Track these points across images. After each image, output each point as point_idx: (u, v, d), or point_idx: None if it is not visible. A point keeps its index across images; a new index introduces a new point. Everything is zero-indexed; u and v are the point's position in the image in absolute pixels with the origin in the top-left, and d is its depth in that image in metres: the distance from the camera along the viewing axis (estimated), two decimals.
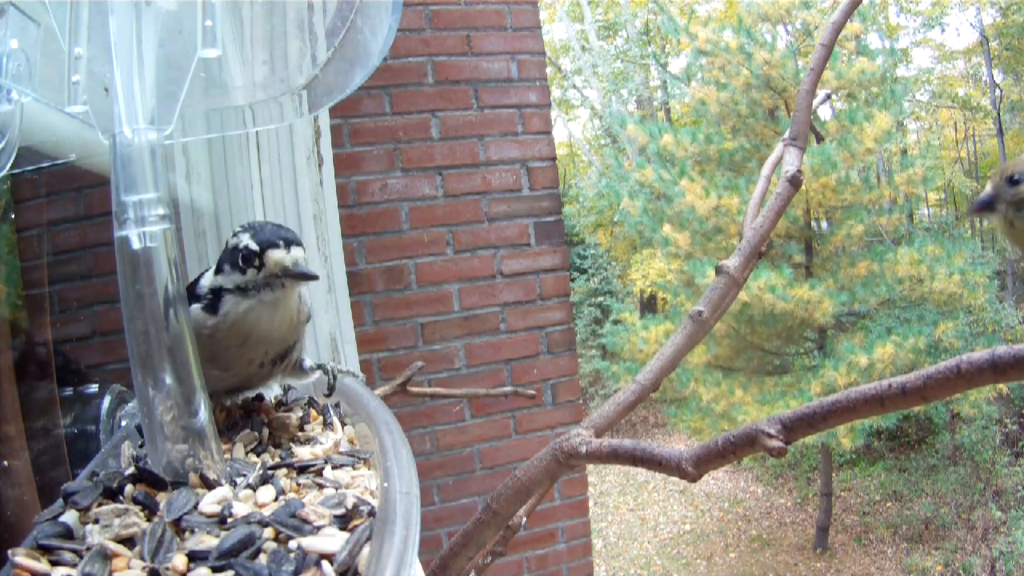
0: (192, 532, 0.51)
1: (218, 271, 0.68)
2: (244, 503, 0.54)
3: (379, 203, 2.21)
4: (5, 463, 0.89)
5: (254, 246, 0.66)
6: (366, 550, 0.49)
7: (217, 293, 0.67)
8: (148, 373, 0.56)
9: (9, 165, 0.70)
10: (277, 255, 0.66)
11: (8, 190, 1.17)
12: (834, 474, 9.34)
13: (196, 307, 0.67)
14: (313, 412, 0.75)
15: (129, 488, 0.55)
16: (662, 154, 8.08)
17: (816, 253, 8.19)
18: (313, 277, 0.69)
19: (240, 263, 0.66)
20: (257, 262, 0.66)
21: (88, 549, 0.48)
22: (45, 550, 0.48)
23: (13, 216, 1.21)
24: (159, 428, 0.56)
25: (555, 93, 15.60)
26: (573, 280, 12.88)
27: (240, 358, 0.70)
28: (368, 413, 0.72)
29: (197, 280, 0.70)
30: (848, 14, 0.99)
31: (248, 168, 1.37)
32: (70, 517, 0.52)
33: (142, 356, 0.55)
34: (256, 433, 0.69)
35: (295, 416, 0.73)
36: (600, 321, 12.07)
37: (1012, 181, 0.76)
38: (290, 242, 0.67)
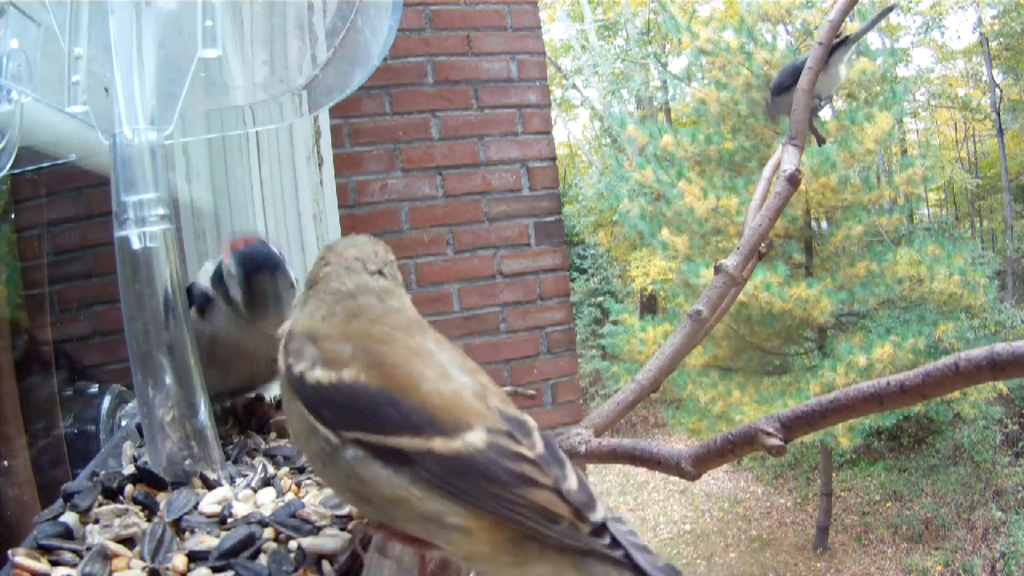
0: (192, 532, 0.51)
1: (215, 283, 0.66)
2: (244, 503, 0.54)
3: (379, 203, 2.21)
4: (5, 463, 0.89)
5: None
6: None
7: (210, 300, 0.67)
8: (148, 373, 0.56)
9: (9, 165, 0.70)
10: (265, 324, 0.63)
11: (8, 190, 1.17)
12: (834, 474, 9.32)
13: (193, 311, 0.66)
14: None
15: (129, 488, 0.55)
16: (661, 155, 8.06)
17: (816, 253, 8.17)
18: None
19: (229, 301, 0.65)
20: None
21: (88, 549, 0.48)
22: (45, 550, 0.48)
23: (13, 216, 1.21)
24: (159, 428, 0.56)
25: (555, 93, 15.57)
26: (573, 280, 12.87)
27: (238, 361, 0.70)
28: None
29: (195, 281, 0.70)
30: (845, 12, 0.99)
31: (248, 168, 1.37)
32: (70, 517, 0.52)
33: (142, 356, 0.55)
34: (256, 434, 0.69)
35: None
36: (600, 321, 12.05)
37: None
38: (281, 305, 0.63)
